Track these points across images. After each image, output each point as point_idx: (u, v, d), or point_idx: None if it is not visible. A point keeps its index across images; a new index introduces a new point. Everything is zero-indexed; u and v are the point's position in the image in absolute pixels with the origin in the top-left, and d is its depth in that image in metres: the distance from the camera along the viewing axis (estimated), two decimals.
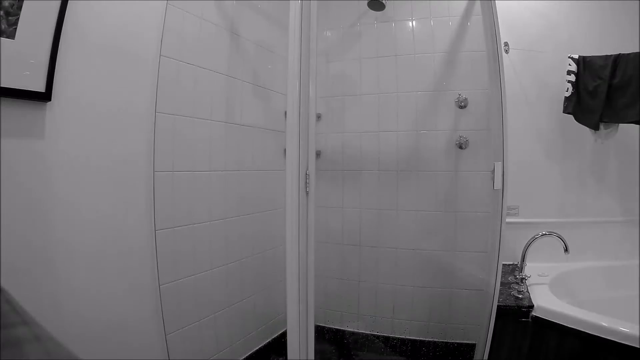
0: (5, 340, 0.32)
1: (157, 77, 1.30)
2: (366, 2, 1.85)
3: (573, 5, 1.87)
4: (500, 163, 1.30)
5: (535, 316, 1.38)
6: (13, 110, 0.92)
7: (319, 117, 2.08)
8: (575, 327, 1.25)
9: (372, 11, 1.90)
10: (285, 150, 1.04)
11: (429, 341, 1.91)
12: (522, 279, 1.55)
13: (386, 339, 1.99)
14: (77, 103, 1.07)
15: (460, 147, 1.85)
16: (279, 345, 1.90)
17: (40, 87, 0.97)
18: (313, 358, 1.08)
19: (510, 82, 1.75)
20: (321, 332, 2.06)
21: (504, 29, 1.65)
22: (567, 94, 1.76)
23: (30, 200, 0.97)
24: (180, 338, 1.38)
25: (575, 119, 1.76)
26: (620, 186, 1.88)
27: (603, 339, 1.19)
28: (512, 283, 1.57)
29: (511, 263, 1.77)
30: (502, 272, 1.52)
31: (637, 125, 1.71)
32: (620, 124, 1.74)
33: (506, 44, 1.71)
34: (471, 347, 1.76)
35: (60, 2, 0.99)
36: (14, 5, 0.90)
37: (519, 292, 1.49)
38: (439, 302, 1.91)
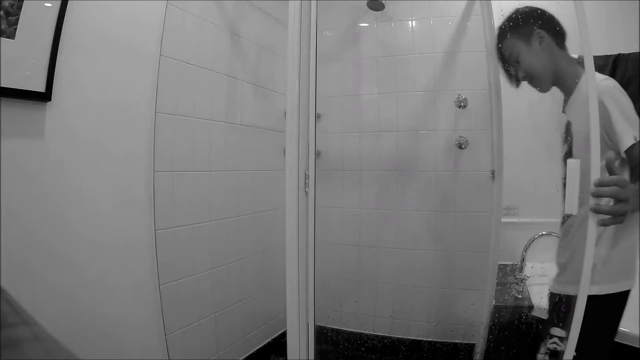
0: (5, 340, 0.32)
1: (157, 77, 1.30)
2: (366, 2, 1.85)
3: (574, 5, 1.86)
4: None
5: (535, 316, 1.38)
6: (13, 110, 0.92)
7: (318, 117, 2.08)
8: None
9: (372, 11, 1.90)
10: (285, 150, 1.04)
11: (429, 341, 1.91)
12: (522, 279, 1.55)
13: (386, 339, 1.99)
14: (77, 103, 1.07)
15: (460, 147, 1.85)
16: (279, 345, 1.90)
17: (40, 87, 0.97)
18: (313, 358, 1.08)
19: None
20: (321, 332, 2.06)
21: None
22: None
23: (30, 200, 0.97)
24: (180, 338, 1.38)
25: None
26: None
27: None
28: (512, 283, 1.57)
29: (511, 263, 1.77)
30: (502, 272, 1.53)
31: None
32: None
33: None
34: (471, 347, 1.76)
35: (60, 2, 0.99)
36: (14, 5, 0.90)
37: (519, 292, 1.49)
38: (438, 302, 1.91)
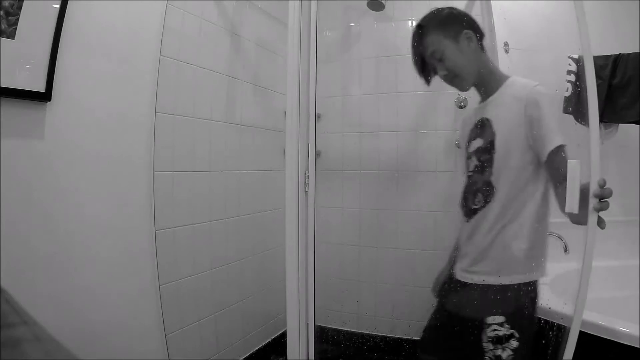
0: (5, 340, 0.32)
1: (157, 77, 1.30)
2: (366, 2, 1.85)
3: (573, 5, 1.86)
4: None
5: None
6: (13, 110, 0.92)
7: (319, 117, 2.08)
8: None
9: (372, 11, 1.90)
10: (285, 150, 1.04)
11: None
12: None
13: (386, 339, 1.99)
14: (77, 103, 1.07)
15: (460, 147, 1.84)
16: (279, 345, 1.90)
17: (40, 87, 0.97)
18: (313, 358, 1.08)
19: None
20: (321, 332, 2.06)
21: (504, 29, 1.65)
22: (567, 94, 1.76)
23: (30, 200, 0.97)
24: (180, 338, 1.38)
25: (575, 119, 1.76)
26: (620, 186, 1.88)
27: (603, 339, 1.19)
28: None
29: None
30: None
31: (637, 125, 1.71)
32: (620, 124, 1.74)
33: (506, 44, 1.71)
34: None
35: (60, 2, 0.99)
36: (14, 5, 0.90)
37: None
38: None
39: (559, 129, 0.94)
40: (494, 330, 0.98)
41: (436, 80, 1.91)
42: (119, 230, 1.19)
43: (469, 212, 1.08)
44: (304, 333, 1.05)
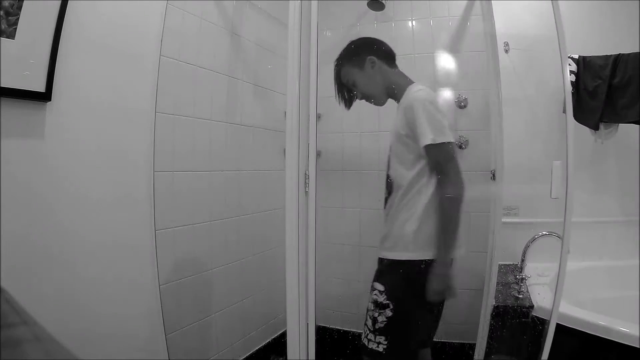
0: (5, 340, 0.32)
1: (157, 77, 1.30)
2: (366, 2, 1.85)
3: (573, 5, 1.86)
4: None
5: (535, 316, 1.38)
6: (13, 110, 0.92)
7: (319, 117, 2.07)
8: (575, 327, 1.25)
9: (372, 11, 1.90)
10: (285, 150, 1.04)
11: None
12: (522, 279, 1.55)
13: None
14: (77, 103, 1.07)
15: (460, 147, 1.84)
16: (279, 345, 1.90)
17: (40, 87, 0.97)
18: (313, 358, 1.08)
19: (510, 82, 1.75)
20: (321, 332, 2.06)
21: (504, 29, 1.65)
22: None
23: (30, 200, 0.97)
24: (180, 338, 1.38)
25: (575, 119, 1.76)
26: (620, 186, 1.88)
27: (603, 339, 1.19)
28: (512, 283, 1.57)
29: (511, 263, 1.77)
30: (502, 272, 1.53)
31: (637, 125, 1.71)
32: (620, 124, 1.74)
33: (506, 44, 1.71)
34: (471, 347, 1.76)
35: (60, 2, 0.99)
36: (14, 5, 0.90)
37: (519, 292, 1.49)
38: None
39: (430, 129, 1.06)
40: (375, 295, 1.15)
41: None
42: (119, 231, 1.19)
43: (384, 202, 1.25)
44: (304, 333, 1.05)
